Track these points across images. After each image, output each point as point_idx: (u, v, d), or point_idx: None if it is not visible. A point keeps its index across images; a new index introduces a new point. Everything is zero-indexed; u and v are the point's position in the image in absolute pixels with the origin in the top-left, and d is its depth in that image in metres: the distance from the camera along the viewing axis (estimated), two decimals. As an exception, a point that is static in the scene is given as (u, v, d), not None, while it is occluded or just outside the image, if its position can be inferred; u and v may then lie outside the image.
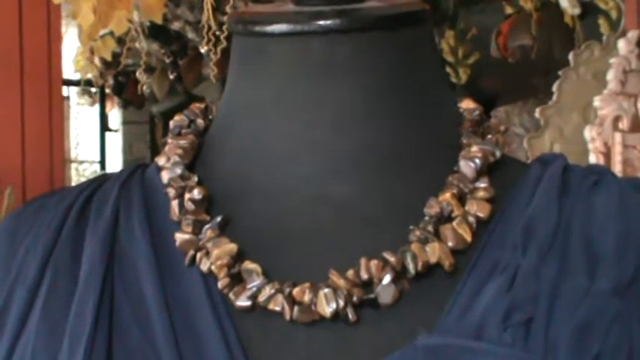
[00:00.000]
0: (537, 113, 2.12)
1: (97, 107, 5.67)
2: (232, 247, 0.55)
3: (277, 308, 0.53)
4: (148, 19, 2.34)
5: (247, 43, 0.61)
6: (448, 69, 3.04)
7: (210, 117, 0.65)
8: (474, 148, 0.59)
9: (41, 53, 1.61)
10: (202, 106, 0.66)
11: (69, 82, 2.87)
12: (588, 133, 1.91)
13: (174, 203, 0.58)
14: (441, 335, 0.52)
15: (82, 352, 0.53)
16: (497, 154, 0.59)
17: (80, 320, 0.54)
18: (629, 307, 0.52)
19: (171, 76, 3.87)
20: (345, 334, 0.53)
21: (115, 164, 5.70)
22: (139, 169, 0.64)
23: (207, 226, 0.57)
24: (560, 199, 0.57)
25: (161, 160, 0.61)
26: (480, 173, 0.58)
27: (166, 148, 0.62)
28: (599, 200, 0.57)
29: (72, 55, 2.47)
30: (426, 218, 0.56)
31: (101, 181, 0.64)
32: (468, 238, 0.55)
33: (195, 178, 0.60)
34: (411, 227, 0.55)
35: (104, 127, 5.85)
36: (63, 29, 1.62)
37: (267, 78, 0.60)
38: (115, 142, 5.92)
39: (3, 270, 0.60)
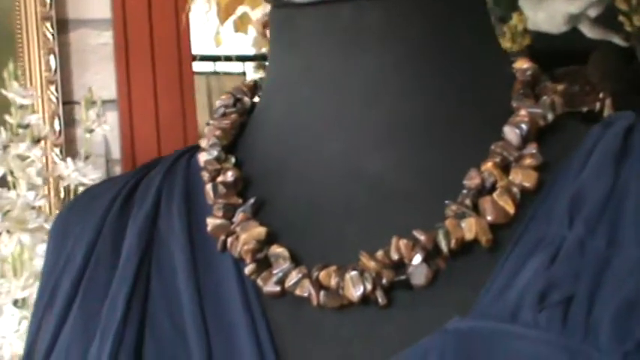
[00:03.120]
0: None
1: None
2: (260, 230, 0.53)
3: (305, 294, 0.51)
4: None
5: (278, 15, 0.58)
6: (621, 18, 2.90)
7: (259, 94, 0.63)
8: (522, 112, 0.54)
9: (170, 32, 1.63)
10: (252, 83, 0.63)
11: (215, 58, 2.90)
12: None
13: (208, 187, 0.56)
14: (475, 318, 0.48)
15: (109, 345, 0.52)
16: (550, 117, 0.54)
17: (112, 312, 0.53)
18: None
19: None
20: (375, 318, 0.50)
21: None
22: (187, 152, 0.62)
23: (240, 209, 0.55)
24: (618, 163, 0.52)
25: (203, 142, 0.60)
26: (527, 139, 0.53)
27: (206, 129, 0.60)
28: None
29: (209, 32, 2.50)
30: (464, 191, 0.52)
31: (152, 166, 0.63)
32: (511, 210, 0.51)
33: (233, 160, 0.58)
34: (447, 202, 0.51)
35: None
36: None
37: (297, 50, 0.57)
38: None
39: (54, 260, 0.60)
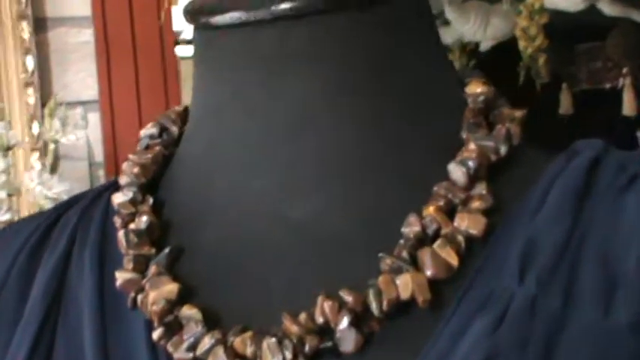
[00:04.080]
0: None
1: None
2: (171, 288, 0.47)
3: None
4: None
5: (201, 37, 0.52)
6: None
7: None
8: (471, 146, 0.47)
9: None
10: (181, 110, 0.57)
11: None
12: None
13: (121, 234, 0.50)
14: None
15: None
16: (503, 150, 0.48)
17: None
18: None
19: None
20: None
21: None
22: (109, 189, 0.56)
23: (153, 261, 0.49)
24: (579, 203, 0.45)
25: (122, 180, 0.53)
26: (475, 178, 0.46)
27: (124, 165, 0.54)
28: (632, 202, 0.45)
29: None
30: (401, 241, 0.45)
31: (72, 202, 0.56)
32: (454, 263, 0.44)
33: (151, 201, 0.51)
34: (380, 255, 0.45)
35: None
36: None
37: (221, 76, 0.50)
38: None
39: None
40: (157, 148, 0.54)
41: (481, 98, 0.50)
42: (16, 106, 1.49)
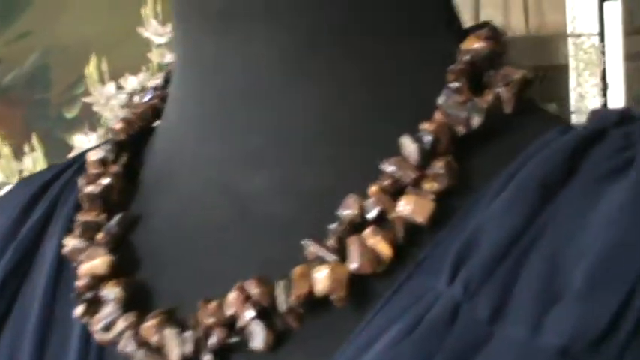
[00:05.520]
0: None
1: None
2: (101, 261, 0.43)
3: (127, 349, 0.41)
4: None
5: None
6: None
7: None
8: (437, 117, 0.40)
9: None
10: None
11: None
12: None
13: (81, 197, 0.47)
14: None
15: None
16: (476, 121, 0.40)
17: None
18: None
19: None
20: None
21: (614, 37, 5.39)
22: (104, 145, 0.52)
23: (104, 228, 0.45)
24: (545, 194, 0.37)
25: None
26: (432, 154, 0.39)
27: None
28: (608, 199, 0.36)
29: None
30: (332, 226, 0.39)
31: (67, 165, 0.53)
32: (387, 254, 0.38)
33: (123, 161, 0.48)
34: (304, 241, 0.39)
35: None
36: None
37: (182, 28, 0.46)
38: (614, 11, 5.59)
39: None
40: (154, 101, 0.50)
41: (467, 57, 0.42)
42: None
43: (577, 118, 2.00)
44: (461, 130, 0.40)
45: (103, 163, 0.47)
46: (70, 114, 1.51)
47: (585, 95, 2.06)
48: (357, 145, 0.41)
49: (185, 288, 0.42)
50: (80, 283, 0.43)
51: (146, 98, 0.51)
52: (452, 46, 0.43)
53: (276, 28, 0.42)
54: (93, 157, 0.48)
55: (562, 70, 2.11)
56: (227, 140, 0.43)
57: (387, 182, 0.39)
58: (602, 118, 0.40)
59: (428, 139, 0.39)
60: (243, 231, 0.42)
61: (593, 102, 2.05)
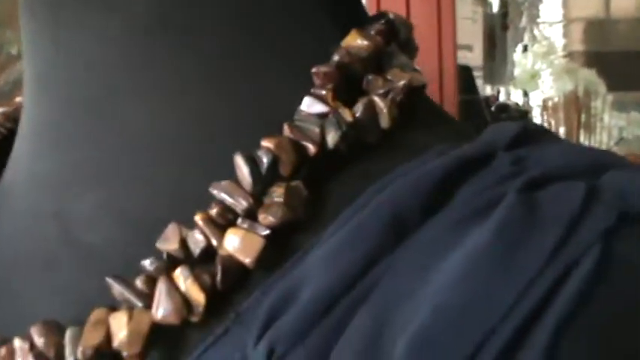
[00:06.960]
0: None
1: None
2: None
3: None
4: None
5: None
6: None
7: None
8: (285, 132, 0.33)
9: None
10: None
11: None
12: None
13: None
14: None
15: None
16: (331, 139, 0.32)
17: None
18: None
19: None
20: None
21: None
22: None
23: None
24: (387, 239, 0.29)
25: None
26: (272, 179, 0.32)
27: None
28: (471, 240, 0.28)
29: None
30: (146, 262, 0.32)
31: None
32: (200, 300, 0.31)
33: None
34: (109, 279, 0.32)
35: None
36: None
37: (26, 12, 0.39)
38: None
39: None
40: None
41: (335, 57, 0.34)
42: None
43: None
44: (311, 148, 0.32)
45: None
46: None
47: None
48: (199, 163, 0.34)
49: (3, 321, 0.35)
50: None
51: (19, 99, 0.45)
52: (334, 44, 0.35)
53: (113, 16, 0.35)
54: None
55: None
56: (60, 156, 0.37)
57: (215, 210, 0.32)
58: (496, 135, 0.32)
59: (266, 159, 0.32)
60: (67, 265, 0.35)
61: None
